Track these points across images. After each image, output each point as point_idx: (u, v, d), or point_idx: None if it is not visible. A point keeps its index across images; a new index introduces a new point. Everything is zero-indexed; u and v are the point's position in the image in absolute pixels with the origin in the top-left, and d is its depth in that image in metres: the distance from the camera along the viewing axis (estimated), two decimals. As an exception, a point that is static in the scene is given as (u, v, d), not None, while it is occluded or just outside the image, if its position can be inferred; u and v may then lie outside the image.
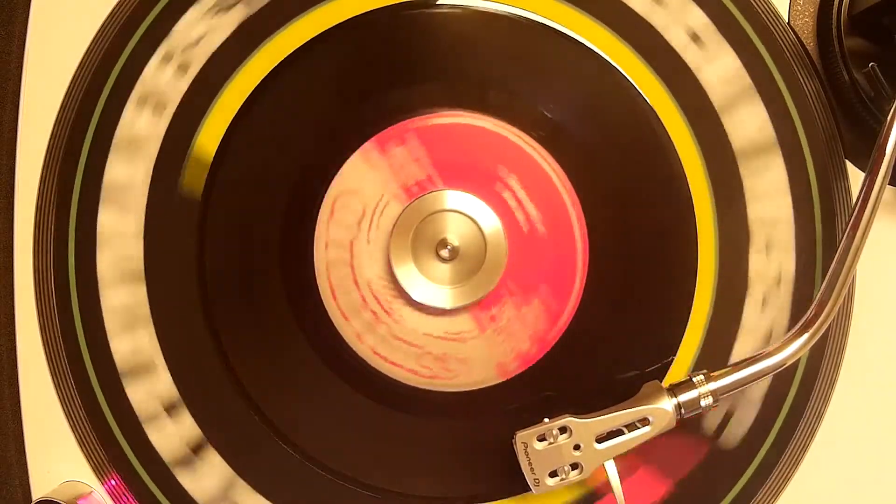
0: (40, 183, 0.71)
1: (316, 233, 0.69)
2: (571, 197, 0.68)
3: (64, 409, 0.71)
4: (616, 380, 0.69)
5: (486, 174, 0.69)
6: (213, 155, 0.70)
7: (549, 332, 0.69)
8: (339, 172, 0.69)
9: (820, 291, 0.63)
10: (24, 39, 0.71)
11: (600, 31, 0.69)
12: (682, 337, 0.68)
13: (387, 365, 0.69)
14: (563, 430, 0.63)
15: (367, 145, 0.69)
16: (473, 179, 0.69)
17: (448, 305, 0.68)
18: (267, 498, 0.71)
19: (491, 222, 0.68)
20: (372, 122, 0.69)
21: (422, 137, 0.69)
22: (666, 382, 0.66)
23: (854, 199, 0.63)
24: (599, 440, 0.63)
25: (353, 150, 0.69)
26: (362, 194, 0.69)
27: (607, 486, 0.65)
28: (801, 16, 0.69)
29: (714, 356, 0.69)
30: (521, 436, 0.63)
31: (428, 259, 0.68)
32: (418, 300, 0.68)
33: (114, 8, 0.70)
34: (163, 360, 0.70)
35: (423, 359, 0.69)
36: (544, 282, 0.68)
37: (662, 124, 0.68)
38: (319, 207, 0.69)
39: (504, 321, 0.69)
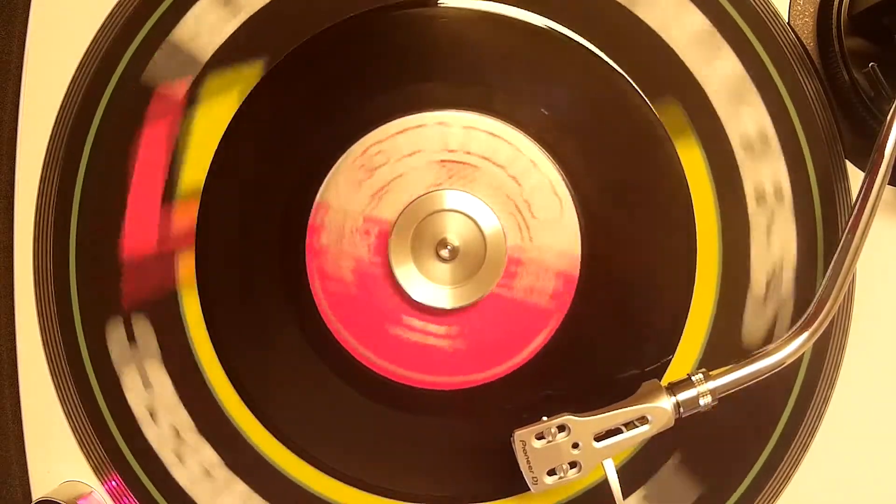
0: (40, 183, 0.71)
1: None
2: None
3: (64, 409, 0.71)
4: (615, 378, 0.69)
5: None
6: (201, 188, 0.71)
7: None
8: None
9: (820, 291, 0.63)
10: (24, 39, 0.71)
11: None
12: (681, 336, 0.68)
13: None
14: (561, 428, 0.63)
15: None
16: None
17: (448, 305, 0.68)
18: (266, 498, 0.71)
19: (491, 222, 0.67)
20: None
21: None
22: (665, 381, 0.66)
23: (854, 199, 0.63)
24: (598, 439, 0.63)
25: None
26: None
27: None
28: (801, 16, 0.69)
29: (714, 355, 0.69)
30: (520, 434, 0.63)
31: (428, 259, 0.68)
32: (418, 300, 0.68)
33: (114, 8, 0.70)
34: (163, 362, 0.71)
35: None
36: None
37: (662, 124, 0.68)
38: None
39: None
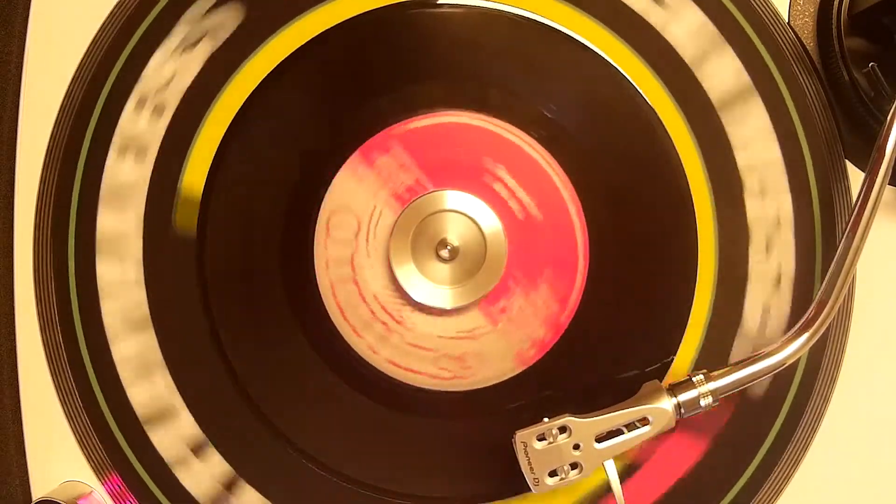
0: (40, 183, 0.71)
1: (315, 254, 0.69)
2: (572, 196, 0.68)
3: (64, 409, 0.71)
4: (616, 379, 0.69)
5: (473, 168, 0.69)
6: (201, 192, 0.70)
7: (560, 315, 0.68)
8: (329, 190, 0.69)
9: (820, 291, 0.63)
10: (24, 39, 0.71)
11: (600, 31, 0.69)
12: (682, 336, 0.69)
13: (404, 372, 0.69)
14: (562, 429, 0.63)
15: (353, 159, 0.69)
16: (462, 175, 0.69)
17: (448, 305, 0.68)
18: (267, 497, 0.71)
19: (491, 222, 0.68)
20: (355, 132, 0.69)
21: (404, 143, 0.69)
22: (666, 382, 0.66)
23: (854, 200, 0.63)
24: (599, 440, 0.63)
25: (339, 166, 0.69)
26: (355, 208, 0.69)
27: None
28: (801, 16, 0.69)
29: (714, 356, 0.69)
30: (521, 435, 0.63)
31: (428, 260, 0.68)
32: (419, 301, 0.68)
33: (114, 8, 0.70)
34: (164, 365, 0.71)
35: (441, 361, 0.69)
36: (546, 280, 0.68)
37: (662, 124, 0.68)
38: (314, 228, 0.69)
39: (515, 311, 0.69)
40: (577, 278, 0.68)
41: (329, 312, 0.69)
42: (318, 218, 0.69)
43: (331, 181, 0.69)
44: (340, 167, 0.69)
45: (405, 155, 0.69)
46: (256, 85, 0.70)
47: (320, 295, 0.69)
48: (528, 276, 0.68)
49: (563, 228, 0.68)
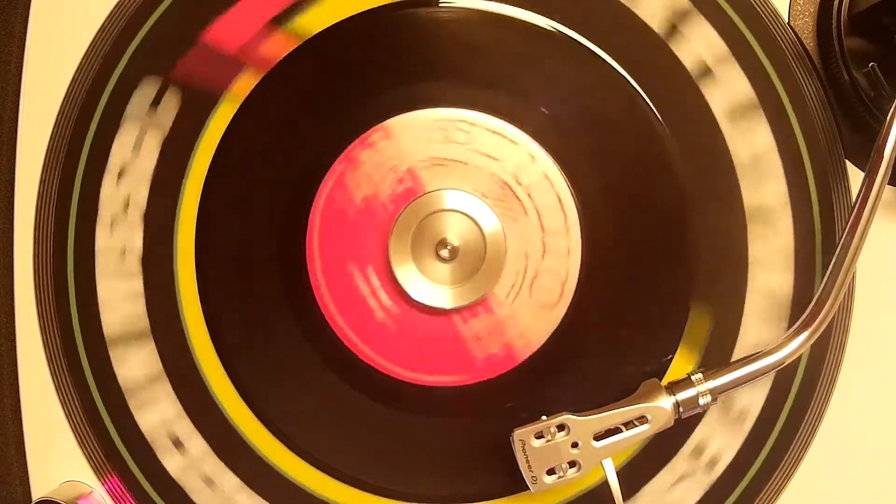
0: (40, 183, 0.71)
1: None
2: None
3: (64, 409, 0.71)
4: (615, 378, 0.69)
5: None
6: (196, 217, 0.71)
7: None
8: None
9: (819, 291, 0.63)
10: (24, 39, 0.71)
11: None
12: (681, 336, 0.69)
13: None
14: (560, 427, 0.63)
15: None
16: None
17: (449, 305, 0.68)
18: (265, 497, 0.71)
19: (491, 222, 0.68)
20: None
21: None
22: (665, 381, 0.66)
23: (854, 199, 0.63)
24: (597, 438, 0.63)
25: (322, 178, 0.69)
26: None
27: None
28: (801, 16, 0.69)
29: (714, 355, 0.69)
30: (519, 433, 0.63)
31: (428, 259, 0.68)
32: (419, 300, 0.68)
33: (113, 9, 0.70)
34: (165, 373, 0.71)
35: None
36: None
37: (662, 123, 0.68)
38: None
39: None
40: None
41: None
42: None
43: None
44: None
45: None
46: (237, 109, 0.70)
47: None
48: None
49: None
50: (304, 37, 0.69)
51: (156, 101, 0.70)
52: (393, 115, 0.69)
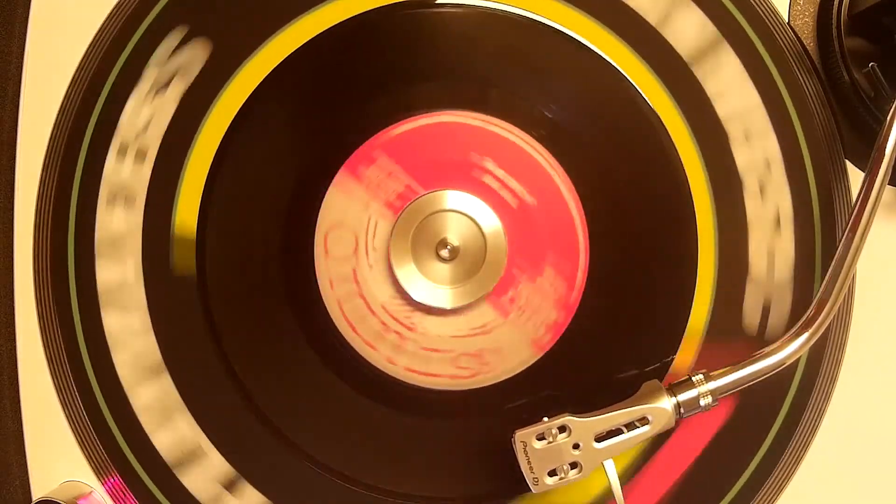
0: (40, 183, 0.71)
1: (317, 274, 0.69)
2: (572, 196, 0.68)
3: (64, 409, 0.71)
4: (616, 379, 0.69)
5: (460, 165, 0.69)
6: (195, 230, 0.70)
7: (570, 295, 0.68)
8: (321, 210, 0.69)
9: (819, 291, 0.63)
10: (24, 39, 0.71)
11: (599, 31, 0.69)
12: (682, 336, 0.69)
13: (423, 378, 0.70)
14: (562, 429, 0.63)
15: (340, 175, 0.69)
16: (450, 174, 0.69)
17: (449, 305, 0.68)
18: (266, 496, 0.71)
19: (491, 221, 0.68)
20: (338, 149, 0.69)
21: (388, 151, 0.69)
22: (665, 382, 0.66)
23: (854, 199, 0.63)
24: (599, 439, 0.63)
25: (327, 186, 0.69)
26: (349, 224, 0.69)
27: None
28: (801, 16, 0.69)
29: (714, 355, 0.69)
30: (521, 435, 0.63)
31: (428, 259, 0.68)
32: (419, 301, 0.68)
33: (113, 8, 0.70)
34: (167, 369, 0.71)
35: (460, 360, 0.69)
36: (550, 265, 0.68)
37: (662, 123, 0.68)
38: (313, 248, 0.69)
39: (524, 299, 0.69)
40: (579, 270, 0.68)
41: (340, 330, 0.69)
42: (315, 239, 0.69)
43: (321, 201, 0.69)
44: (329, 186, 0.69)
45: (391, 163, 0.69)
46: (233, 117, 0.70)
47: (329, 313, 0.69)
48: (532, 266, 0.68)
49: (562, 223, 0.68)
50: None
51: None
52: (374, 125, 0.69)
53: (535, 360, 0.69)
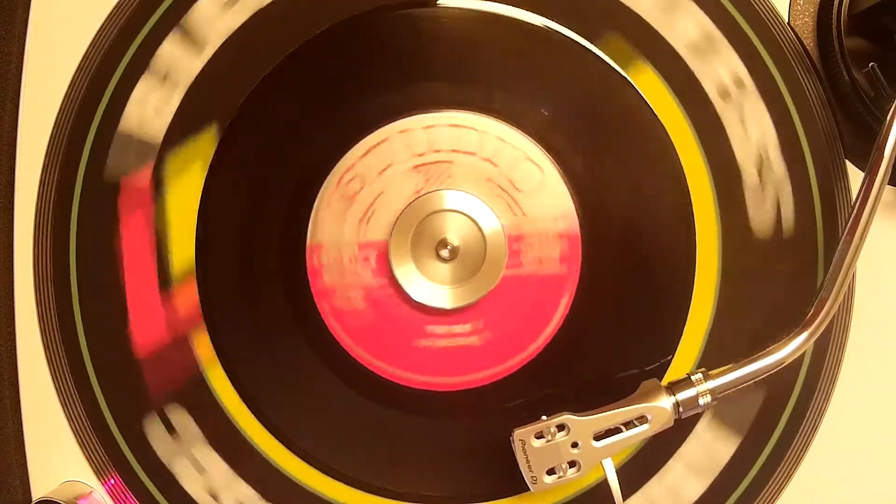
0: (40, 183, 0.71)
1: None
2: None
3: (64, 409, 0.71)
4: (615, 378, 0.69)
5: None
6: (209, 161, 0.71)
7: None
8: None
9: (820, 290, 0.63)
10: (24, 39, 0.71)
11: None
12: (681, 335, 0.69)
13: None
14: (560, 427, 0.63)
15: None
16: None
17: (448, 305, 0.68)
18: (266, 498, 0.71)
19: (491, 222, 0.68)
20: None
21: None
22: (665, 381, 0.66)
23: (854, 199, 0.63)
24: (597, 438, 0.63)
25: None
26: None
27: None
28: (801, 16, 0.69)
29: (714, 355, 0.69)
30: (519, 433, 0.63)
31: (428, 259, 0.68)
32: (418, 300, 0.68)
33: (114, 8, 0.70)
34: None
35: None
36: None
37: (662, 124, 0.68)
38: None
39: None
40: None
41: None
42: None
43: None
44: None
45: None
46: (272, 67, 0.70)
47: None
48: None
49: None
50: (191, 269, 0.70)
51: (169, 429, 0.71)
52: (386, 119, 0.69)
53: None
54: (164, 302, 0.70)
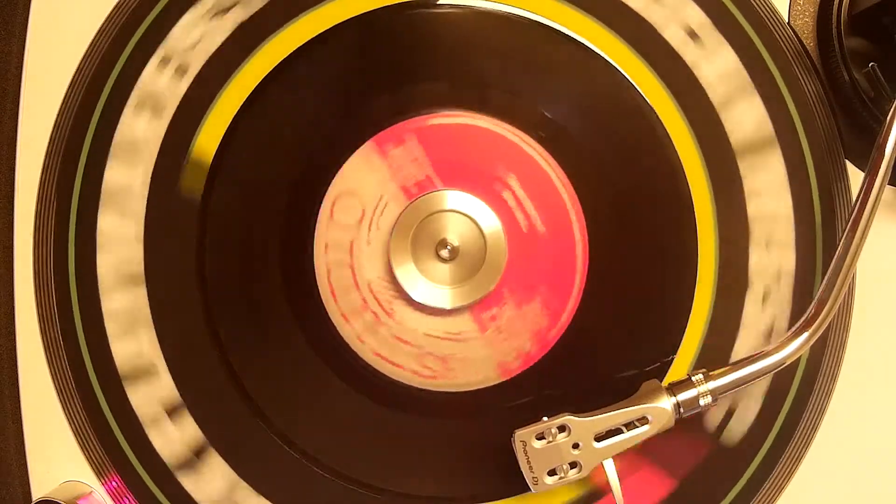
0: (40, 183, 0.71)
1: (316, 234, 0.69)
2: (571, 197, 0.68)
3: (64, 409, 0.71)
4: (616, 379, 0.69)
5: (485, 174, 0.69)
6: (212, 157, 0.70)
7: (549, 330, 0.69)
8: (339, 173, 0.69)
9: (819, 290, 0.63)
10: (24, 39, 0.71)
11: (599, 31, 0.69)
12: (682, 336, 0.69)
13: (388, 366, 0.69)
14: (561, 428, 0.63)
15: (366, 146, 0.69)
16: (472, 179, 0.69)
17: (448, 305, 0.68)
18: (268, 498, 0.71)
19: (491, 222, 0.68)
20: (371, 122, 0.69)
21: (420, 138, 0.69)
22: (666, 381, 0.66)
23: (854, 199, 0.63)
24: (598, 439, 0.63)
25: (353, 151, 0.69)
26: (361, 195, 0.69)
27: (606, 485, 0.65)
28: (801, 16, 0.69)
29: (714, 355, 0.69)
30: (520, 434, 0.63)
31: (428, 259, 0.68)
32: (418, 300, 0.68)
33: (113, 8, 0.70)
34: (164, 363, 0.71)
35: (425, 359, 0.69)
36: (544, 281, 0.68)
37: (662, 124, 0.68)
38: (319, 208, 0.69)
39: (504, 320, 0.69)
40: (577, 280, 0.68)
41: (322, 294, 0.70)
42: (325, 199, 0.69)
43: (341, 165, 0.69)
44: (353, 153, 0.69)
45: (419, 150, 0.69)
46: (279, 61, 0.70)
47: (315, 275, 0.70)
48: (524, 285, 0.68)
49: (564, 229, 0.68)
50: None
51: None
52: (412, 110, 0.69)
53: (498, 382, 0.69)
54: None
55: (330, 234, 0.69)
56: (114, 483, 0.71)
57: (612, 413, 0.63)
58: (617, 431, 0.63)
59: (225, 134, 0.70)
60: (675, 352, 0.69)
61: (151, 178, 0.70)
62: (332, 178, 0.69)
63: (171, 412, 0.70)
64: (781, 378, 0.69)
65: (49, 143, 0.70)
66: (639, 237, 0.69)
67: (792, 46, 0.68)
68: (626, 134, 0.69)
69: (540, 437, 0.63)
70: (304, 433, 0.70)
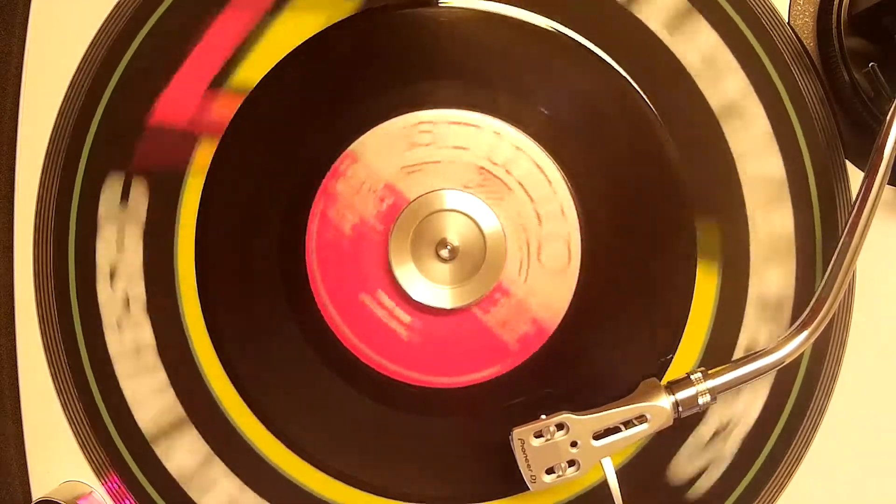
0: (40, 183, 0.71)
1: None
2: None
3: (64, 410, 0.71)
4: (614, 377, 0.69)
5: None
6: (211, 157, 0.70)
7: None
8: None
9: (819, 290, 0.63)
10: (24, 39, 0.71)
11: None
12: (681, 334, 0.69)
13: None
14: (560, 426, 0.63)
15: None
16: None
17: (448, 305, 0.68)
18: (267, 499, 0.71)
19: (490, 221, 0.67)
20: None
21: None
22: (665, 380, 0.66)
23: (854, 199, 0.63)
24: (597, 437, 0.63)
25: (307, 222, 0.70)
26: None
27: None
28: (801, 16, 0.69)
29: (714, 354, 0.69)
30: (518, 432, 0.63)
31: (428, 259, 0.68)
32: (418, 300, 0.68)
33: (114, 8, 0.70)
34: (161, 362, 0.71)
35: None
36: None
37: (662, 124, 0.68)
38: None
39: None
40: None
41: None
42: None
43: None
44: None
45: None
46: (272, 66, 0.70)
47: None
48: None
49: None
50: (247, 90, 0.70)
51: (125, 196, 0.71)
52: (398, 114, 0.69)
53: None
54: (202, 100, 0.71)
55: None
56: (114, 483, 0.71)
57: (611, 411, 0.63)
58: (615, 430, 0.63)
59: (224, 135, 0.70)
60: (674, 350, 0.69)
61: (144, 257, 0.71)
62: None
63: (171, 410, 0.71)
64: (783, 378, 0.69)
65: (49, 143, 0.71)
66: (638, 236, 0.69)
67: (792, 46, 0.68)
68: (626, 134, 0.69)
69: (538, 435, 0.63)
70: (301, 431, 0.71)
